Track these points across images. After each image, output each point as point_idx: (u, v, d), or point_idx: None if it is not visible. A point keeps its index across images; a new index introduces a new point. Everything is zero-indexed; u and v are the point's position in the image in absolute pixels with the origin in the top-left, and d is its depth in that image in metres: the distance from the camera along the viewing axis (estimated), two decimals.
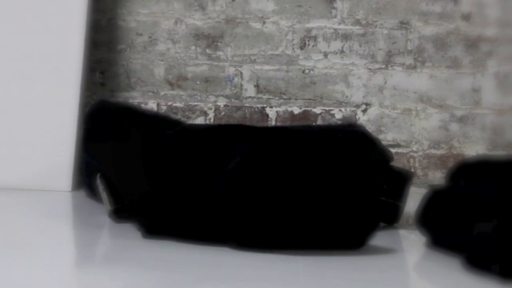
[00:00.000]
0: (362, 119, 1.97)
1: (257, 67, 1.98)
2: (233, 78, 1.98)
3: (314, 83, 1.98)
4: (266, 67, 1.98)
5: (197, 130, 1.48)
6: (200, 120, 1.98)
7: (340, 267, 1.24)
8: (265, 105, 1.98)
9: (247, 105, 1.99)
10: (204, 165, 1.37)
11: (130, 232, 1.38)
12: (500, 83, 1.97)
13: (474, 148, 1.98)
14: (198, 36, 1.99)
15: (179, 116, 1.98)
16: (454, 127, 1.98)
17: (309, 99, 1.98)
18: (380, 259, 1.30)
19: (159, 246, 1.30)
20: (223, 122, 1.97)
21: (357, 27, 1.97)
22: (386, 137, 1.97)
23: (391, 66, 1.97)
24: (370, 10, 1.97)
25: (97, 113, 1.64)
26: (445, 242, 1.34)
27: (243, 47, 1.98)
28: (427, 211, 1.42)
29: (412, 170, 1.94)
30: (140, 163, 1.39)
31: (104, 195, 1.49)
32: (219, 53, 1.98)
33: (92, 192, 1.58)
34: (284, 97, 1.98)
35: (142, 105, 1.98)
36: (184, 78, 1.99)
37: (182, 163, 1.38)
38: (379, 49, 1.97)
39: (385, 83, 1.98)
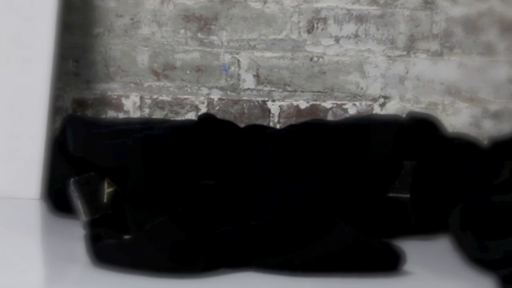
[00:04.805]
0: None
1: (257, 54, 1.98)
2: (229, 67, 1.99)
3: (324, 72, 1.98)
4: (268, 54, 1.98)
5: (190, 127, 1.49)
6: (190, 116, 1.98)
7: (353, 285, 1.24)
8: (266, 99, 1.99)
9: (245, 98, 1.99)
10: (200, 168, 1.39)
11: None
12: None
13: None
14: (188, 17, 1.99)
15: (166, 112, 1.98)
16: (487, 124, 1.98)
17: (318, 92, 1.98)
18: (400, 276, 1.30)
19: None
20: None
21: (374, 7, 1.97)
22: None
23: (414, 53, 1.98)
24: None
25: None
26: (477, 257, 1.34)
27: (240, 30, 1.98)
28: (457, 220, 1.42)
29: None
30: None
31: (78, 203, 1.49)
32: (213, 37, 1.99)
33: (62, 201, 1.58)
34: (289, 89, 1.99)
35: (123, 98, 1.98)
36: (172, 67, 1.99)
37: (173, 167, 1.39)
38: (400, 33, 1.97)
39: (407, 72, 1.98)
